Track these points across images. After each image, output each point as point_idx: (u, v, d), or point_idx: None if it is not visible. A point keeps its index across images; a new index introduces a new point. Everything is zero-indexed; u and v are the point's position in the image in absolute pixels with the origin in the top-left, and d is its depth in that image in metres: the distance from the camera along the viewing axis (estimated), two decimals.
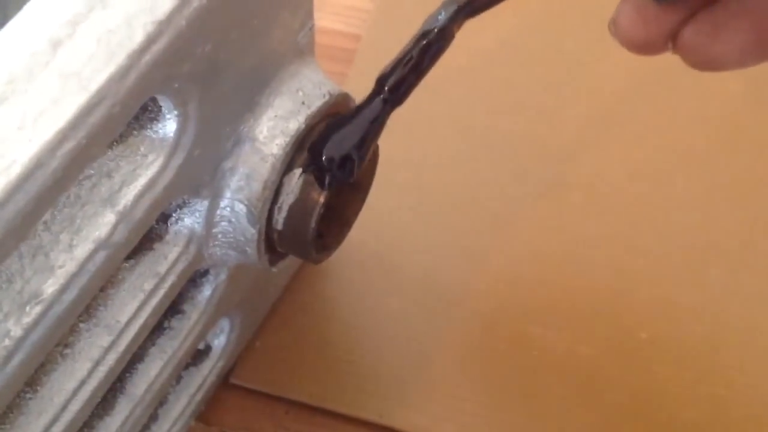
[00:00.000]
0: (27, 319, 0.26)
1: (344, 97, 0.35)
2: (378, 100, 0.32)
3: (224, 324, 0.41)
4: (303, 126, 0.33)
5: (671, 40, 0.31)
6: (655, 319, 0.45)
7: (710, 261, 0.46)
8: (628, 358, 0.44)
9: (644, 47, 0.31)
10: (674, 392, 0.43)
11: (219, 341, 0.42)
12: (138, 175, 0.29)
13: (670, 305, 0.45)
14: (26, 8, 0.25)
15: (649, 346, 0.44)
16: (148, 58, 0.26)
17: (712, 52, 0.30)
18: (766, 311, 0.45)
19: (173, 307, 0.36)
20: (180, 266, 0.33)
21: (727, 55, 0.30)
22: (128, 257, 0.32)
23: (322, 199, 0.33)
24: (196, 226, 0.33)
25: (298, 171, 0.33)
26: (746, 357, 0.44)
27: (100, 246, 0.28)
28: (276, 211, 0.34)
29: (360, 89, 0.35)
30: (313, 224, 0.34)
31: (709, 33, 0.30)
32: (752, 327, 0.44)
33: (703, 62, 0.31)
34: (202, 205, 0.33)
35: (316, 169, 0.33)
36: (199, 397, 0.42)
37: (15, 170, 0.23)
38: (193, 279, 0.37)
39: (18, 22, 0.25)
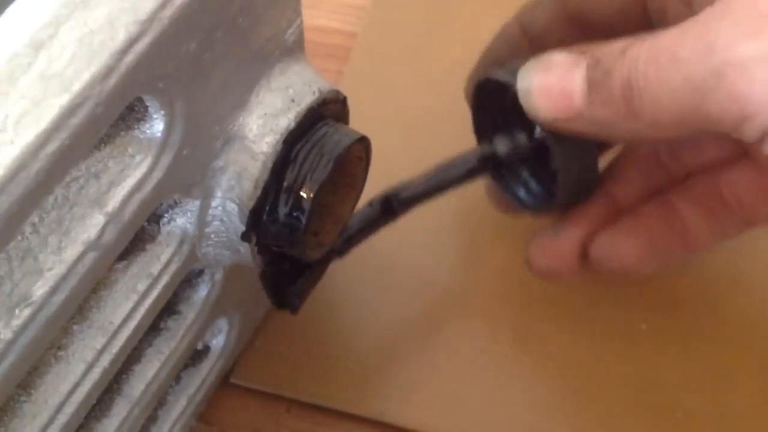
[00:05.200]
0: (16, 322, 0.26)
1: (335, 94, 0.35)
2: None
3: (222, 324, 0.41)
4: (293, 123, 0.33)
5: (579, 263, 0.38)
6: (655, 309, 0.45)
7: (710, 250, 0.46)
8: (628, 350, 0.44)
9: (557, 275, 0.39)
10: (675, 383, 0.43)
11: (218, 341, 0.42)
12: (126, 175, 0.29)
13: (669, 296, 0.45)
14: (8, 10, 0.25)
15: (649, 337, 0.44)
16: (131, 58, 0.26)
17: (614, 263, 0.38)
18: (767, 301, 0.45)
19: (169, 308, 0.36)
20: (173, 267, 0.33)
21: (627, 264, 0.38)
22: (121, 258, 0.32)
23: (312, 195, 0.33)
24: (189, 226, 0.33)
25: (289, 169, 0.33)
26: (747, 347, 0.43)
27: (89, 247, 0.28)
28: None
29: (356, 87, 0.35)
30: (305, 222, 0.34)
31: (608, 249, 0.37)
32: (753, 317, 0.44)
33: (610, 272, 0.38)
34: (193, 205, 0.33)
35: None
36: (199, 397, 0.42)
37: None
38: (189, 279, 0.37)
39: None
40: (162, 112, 0.29)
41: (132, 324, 0.32)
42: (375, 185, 0.38)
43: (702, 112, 0.29)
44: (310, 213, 0.33)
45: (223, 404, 0.44)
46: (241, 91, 0.32)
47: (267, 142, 0.33)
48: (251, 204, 0.33)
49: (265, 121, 0.33)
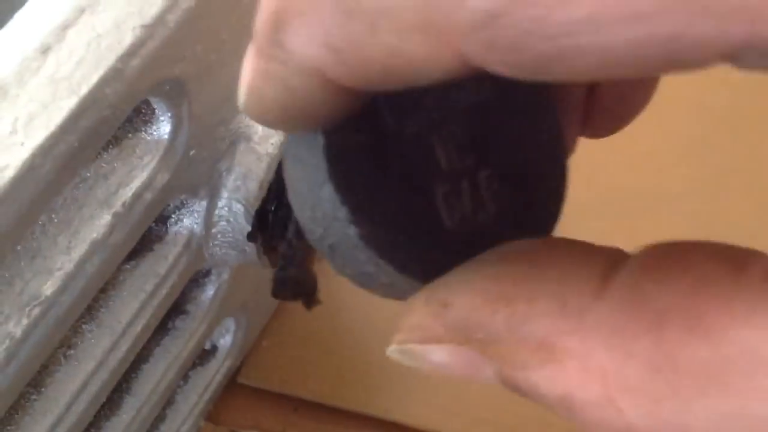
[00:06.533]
0: (27, 321, 0.27)
1: None
2: None
3: (230, 324, 0.42)
4: None
5: None
6: None
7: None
8: None
9: None
10: None
11: (225, 341, 0.42)
12: (134, 176, 0.30)
13: None
14: (17, 15, 0.26)
15: None
16: (137, 61, 0.26)
17: None
18: None
19: (177, 308, 0.37)
20: (180, 267, 0.34)
21: None
22: (129, 259, 0.32)
23: None
24: (195, 226, 0.34)
25: None
26: None
27: (97, 248, 0.28)
28: None
29: None
30: None
31: None
32: None
33: None
34: (200, 206, 0.33)
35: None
36: (206, 396, 0.42)
37: (8, 174, 0.23)
38: (196, 279, 0.37)
39: (8, 28, 0.25)
40: (169, 114, 0.29)
41: (140, 323, 0.33)
42: None
43: None
44: None
45: (230, 404, 0.45)
46: None
47: (272, 143, 0.33)
48: (257, 204, 0.33)
49: None
